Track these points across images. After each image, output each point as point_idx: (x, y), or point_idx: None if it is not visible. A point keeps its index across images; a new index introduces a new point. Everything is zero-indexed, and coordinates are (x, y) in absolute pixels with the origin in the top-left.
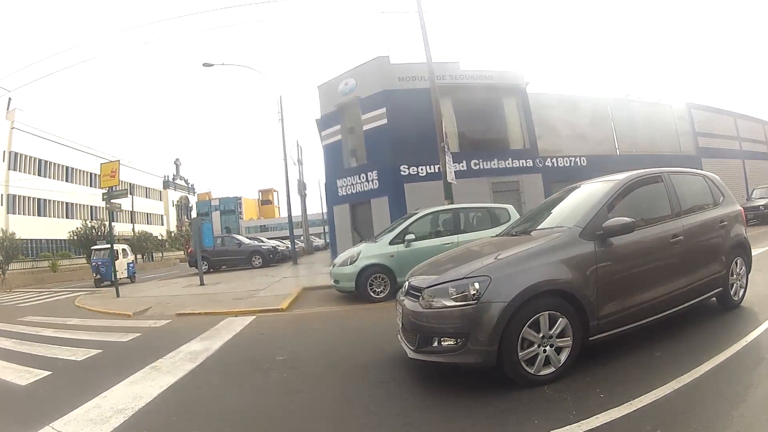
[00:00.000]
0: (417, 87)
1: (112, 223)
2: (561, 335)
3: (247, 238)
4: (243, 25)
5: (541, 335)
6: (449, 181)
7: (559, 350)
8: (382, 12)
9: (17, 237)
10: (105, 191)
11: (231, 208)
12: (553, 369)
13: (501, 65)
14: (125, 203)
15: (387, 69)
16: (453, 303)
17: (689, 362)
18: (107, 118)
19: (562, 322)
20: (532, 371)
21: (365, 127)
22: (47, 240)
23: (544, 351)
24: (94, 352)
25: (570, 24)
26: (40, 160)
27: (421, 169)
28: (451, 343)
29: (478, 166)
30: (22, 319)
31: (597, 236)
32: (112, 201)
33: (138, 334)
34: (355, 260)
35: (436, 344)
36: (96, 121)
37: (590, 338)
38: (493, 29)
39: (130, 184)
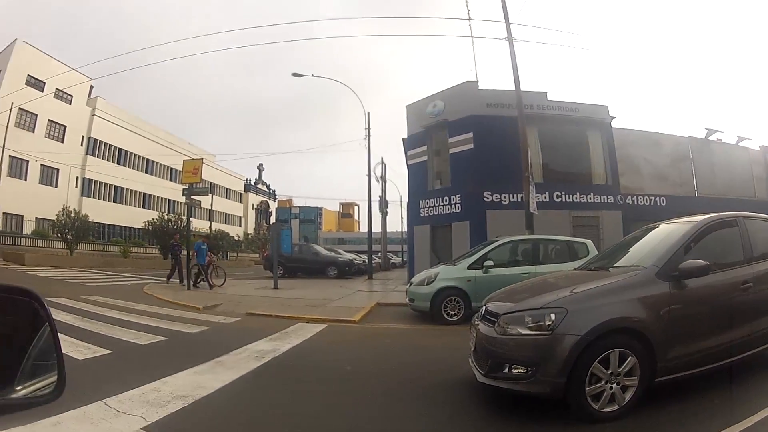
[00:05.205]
0: (504, 114)
1: (190, 219)
2: (628, 374)
3: (325, 248)
4: (335, 40)
5: (609, 372)
6: (531, 211)
7: (624, 389)
8: (471, 37)
9: (90, 220)
10: (186, 187)
11: (311, 217)
12: (616, 407)
13: (586, 98)
14: (205, 201)
15: (475, 94)
16: (528, 331)
17: (744, 411)
18: (196, 118)
19: (631, 360)
20: (596, 407)
21: (451, 151)
22: (120, 226)
23: (611, 388)
24: (158, 338)
25: (652, 59)
26: (119, 149)
27: (504, 197)
28: (521, 371)
29: (560, 199)
30: (87, 298)
31: (672, 277)
32: (192, 197)
33: (206, 328)
34: (433, 281)
35: (506, 371)
36: (185, 119)
37: (655, 379)
38: (579, 60)
39: (211, 183)
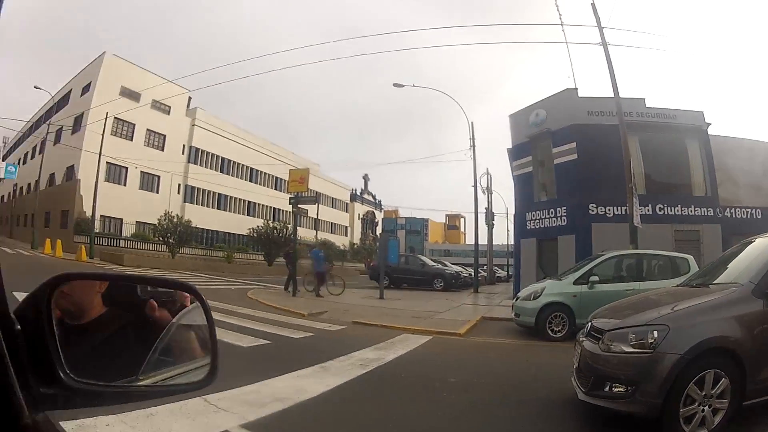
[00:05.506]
0: (605, 123)
1: (296, 227)
2: (720, 396)
3: (431, 260)
4: (434, 50)
5: (703, 393)
6: (635, 224)
7: (714, 411)
8: (566, 42)
9: (192, 225)
10: (292, 196)
11: (417, 228)
12: (705, 431)
13: (681, 103)
14: (311, 210)
15: (576, 102)
16: (631, 349)
17: None
18: (300, 128)
19: (724, 382)
20: (687, 430)
21: (556, 161)
22: (224, 232)
23: (703, 411)
24: (261, 342)
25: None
26: (222, 158)
27: (609, 210)
28: (622, 390)
29: (662, 212)
30: None
31: (765, 295)
32: (298, 206)
33: (310, 334)
34: (539, 296)
35: (607, 389)
36: (288, 129)
37: (744, 402)
38: (663, 62)
39: (317, 192)
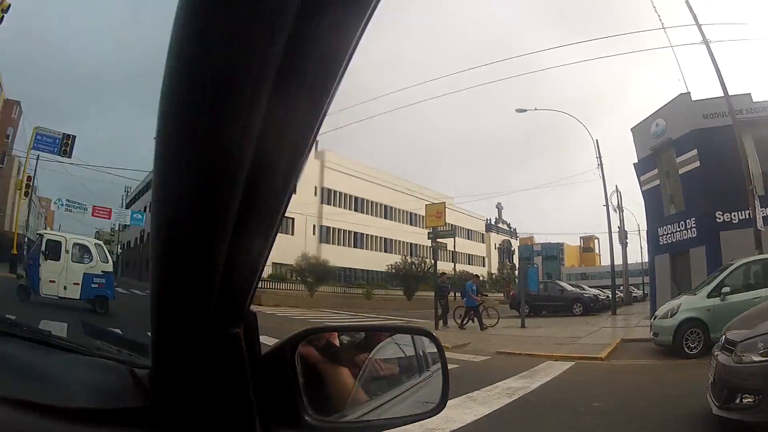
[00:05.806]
0: (720, 124)
1: (436, 261)
2: None
3: (569, 284)
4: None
5: None
6: (758, 228)
7: None
8: (671, 46)
9: (330, 264)
10: (430, 230)
11: (553, 254)
12: None
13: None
14: (448, 243)
15: (690, 106)
16: (760, 358)
17: None
18: (428, 161)
19: None
20: None
21: (680, 171)
22: (362, 270)
23: None
24: None
25: None
26: (355, 197)
27: (734, 216)
28: (750, 400)
29: None
30: None
31: None
32: (437, 240)
33: (455, 366)
34: (675, 313)
35: (738, 401)
36: (415, 163)
37: None
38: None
39: (453, 225)
